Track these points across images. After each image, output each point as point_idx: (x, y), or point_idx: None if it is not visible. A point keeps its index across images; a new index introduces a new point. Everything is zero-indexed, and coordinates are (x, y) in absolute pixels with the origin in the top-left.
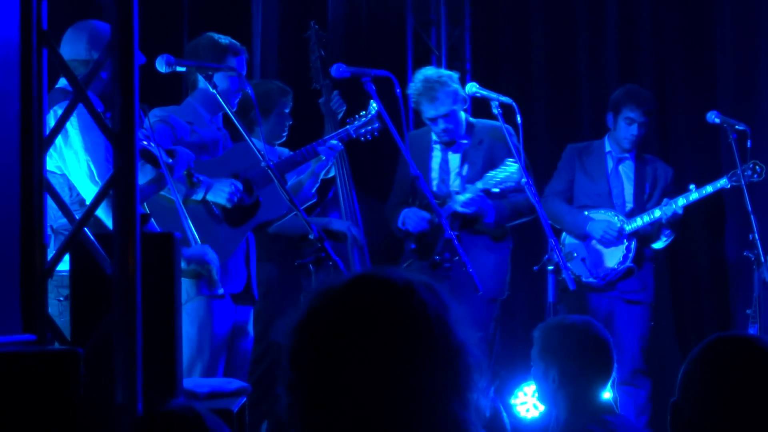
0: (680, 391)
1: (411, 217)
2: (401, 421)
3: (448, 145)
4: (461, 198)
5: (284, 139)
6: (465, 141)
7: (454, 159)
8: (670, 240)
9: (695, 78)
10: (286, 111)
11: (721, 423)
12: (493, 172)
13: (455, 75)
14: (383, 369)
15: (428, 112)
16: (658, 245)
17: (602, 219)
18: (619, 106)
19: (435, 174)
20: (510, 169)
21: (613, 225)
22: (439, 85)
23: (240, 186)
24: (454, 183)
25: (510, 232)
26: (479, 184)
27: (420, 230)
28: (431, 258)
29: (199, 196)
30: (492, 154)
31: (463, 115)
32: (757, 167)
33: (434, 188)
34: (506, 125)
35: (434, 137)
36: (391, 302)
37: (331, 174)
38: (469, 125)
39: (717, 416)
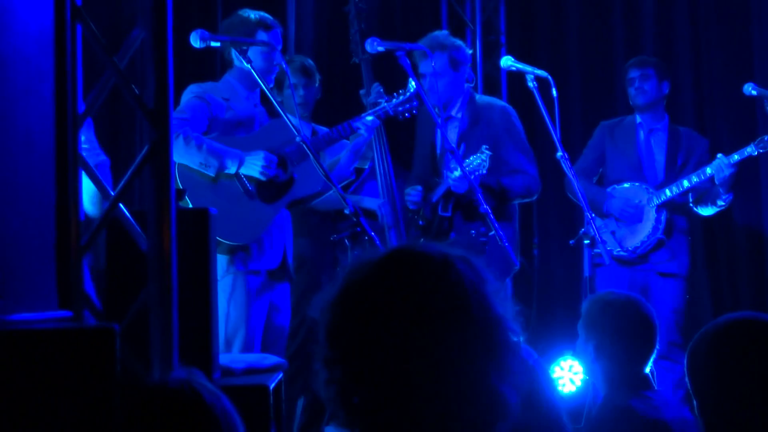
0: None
1: (408, 194)
2: (439, 393)
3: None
4: (452, 175)
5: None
6: (459, 114)
7: (452, 138)
8: (727, 203)
9: (731, 50)
10: (300, 85)
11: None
12: (470, 158)
13: (467, 49)
14: (420, 343)
15: (423, 68)
16: (707, 212)
17: (621, 196)
18: (625, 77)
19: (438, 150)
20: (482, 157)
21: (631, 201)
22: (438, 46)
23: (274, 158)
24: (452, 161)
25: (512, 211)
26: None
27: (414, 207)
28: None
29: (232, 170)
30: (494, 135)
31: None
32: None
33: (437, 165)
34: (511, 109)
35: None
36: (427, 275)
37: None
38: (470, 101)
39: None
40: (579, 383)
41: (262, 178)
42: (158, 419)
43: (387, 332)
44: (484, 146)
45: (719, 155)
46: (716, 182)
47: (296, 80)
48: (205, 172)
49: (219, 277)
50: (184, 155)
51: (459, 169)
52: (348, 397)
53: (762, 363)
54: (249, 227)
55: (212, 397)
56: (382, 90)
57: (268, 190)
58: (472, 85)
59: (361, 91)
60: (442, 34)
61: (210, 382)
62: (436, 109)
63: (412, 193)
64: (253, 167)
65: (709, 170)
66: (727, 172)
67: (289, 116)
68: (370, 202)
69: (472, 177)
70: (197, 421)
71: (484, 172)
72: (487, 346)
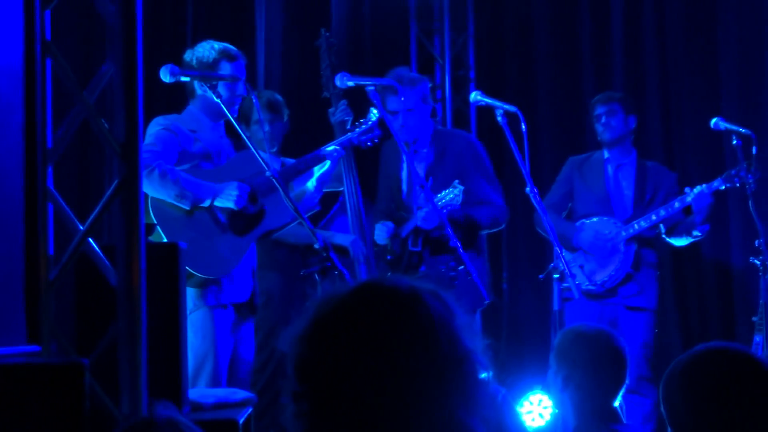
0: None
1: (379, 232)
2: (408, 428)
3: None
4: (421, 213)
5: (270, 149)
6: (425, 150)
7: (419, 171)
8: (703, 234)
9: (699, 85)
10: (266, 120)
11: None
12: (443, 193)
13: (427, 82)
14: (389, 376)
15: (392, 104)
16: (681, 242)
17: (590, 228)
18: (592, 114)
19: (404, 185)
20: (455, 191)
21: (600, 235)
22: (408, 81)
23: (247, 188)
24: (420, 197)
25: (481, 243)
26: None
27: (384, 242)
28: (401, 269)
29: (207, 203)
30: (460, 167)
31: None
32: (752, 168)
33: (404, 200)
34: (476, 140)
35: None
36: (396, 309)
37: (340, 188)
38: (434, 134)
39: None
40: (548, 417)
41: (236, 207)
42: None
43: (355, 366)
44: (455, 181)
45: (687, 190)
46: (693, 210)
47: (263, 116)
48: (180, 205)
49: (189, 311)
50: (159, 189)
51: (429, 204)
52: (315, 430)
53: (735, 391)
54: (222, 260)
55: None
56: (347, 108)
57: (240, 222)
58: (436, 119)
59: (330, 110)
60: (406, 69)
61: (189, 421)
62: (406, 145)
63: (383, 229)
64: (228, 198)
65: (677, 204)
66: (704, 202)
67: (258, 150)
68: (342, 239)
69: (444, 212)
70: None
71: (457, 206)
72: (455, 380)
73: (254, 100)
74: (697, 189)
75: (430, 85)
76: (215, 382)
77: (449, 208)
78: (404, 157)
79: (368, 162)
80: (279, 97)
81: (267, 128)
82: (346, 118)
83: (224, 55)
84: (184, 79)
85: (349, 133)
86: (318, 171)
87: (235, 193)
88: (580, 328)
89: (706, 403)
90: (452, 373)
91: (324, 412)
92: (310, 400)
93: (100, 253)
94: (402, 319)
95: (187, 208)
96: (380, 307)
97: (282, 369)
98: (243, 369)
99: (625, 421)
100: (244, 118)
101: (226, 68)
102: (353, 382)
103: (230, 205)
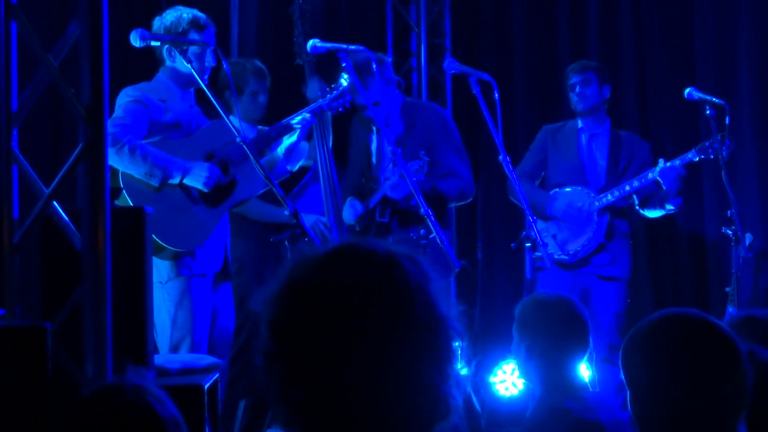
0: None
1: (346, 211)
2: (381, 391)
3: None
4: (389, 183)
5: (260, 118)
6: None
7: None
8: (676, 207)
9: (674, 55)
10: (259, 90)
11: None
12: (409, 164)
13: (385, 61)
14: (363, 339)
15: (358, 99)
16: (654, 214)
17: (564, 197)
18: (566, 83)
19: (374, 158)
20: (420, 163)
21: (573, 204)
22: (368, 74)
23: (218, 170)
24: (388, 168)
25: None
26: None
27: (351, 222)
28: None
29: (176, 180)
30: (429, 139)
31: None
32: (726, 140)
33: (373, 172)
34: (445, 111)
35: None
36: (372, 272)
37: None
38: (404, 105)
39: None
40: (521, 386)
41: (205, 189)
42: (109, 426)
43: (330, 327)
44: (421, 152)
45: (661, 161)
46: (663, 187)
47: (257, 86)
48: (149, 182)
49: (163, 282)
50: (128, 165)
51: (396, 175)
52: (288, 393)
53: (693, 355)
54: (195, 232)
55: (163, 408)
56: (324, 85)
57: (212, 194)
58: (402, 88)
59: (303, 87)
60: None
61: (157, 388)
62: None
63: (350, 210)
64: (198, 178)
65: (651, 175)
66: (672, 175)
67: (230, 117)
68: (307, 219)
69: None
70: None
71: (422, 177)
72: (430, 345)
73: (226, 68)
74: (660, 164)
75: (388, 59)
76: (196, 350)
77: (415, 178)
78: (374, 128)
79: (340, 132)
80: (261, 64)
81: (263, 99)
82: (318, 93)
83: (193, 24)
84: (154, 43)
85: (320, 100)
86: (287, 139)
87: (204, 174)
88: (540, 297)
89: (664, 367)
90: (427, 337)
91: (296, 372)
92: (283, 360)
93: (65, 217)
94: (378, 281)
95: (156, 185)
96: (356, 268)
97: (255, 332)
98: (223, 336)
99: (596, 389)
100: (237, 89)
101: (195, 36)
102: (327, 342)
103: (199, 185)
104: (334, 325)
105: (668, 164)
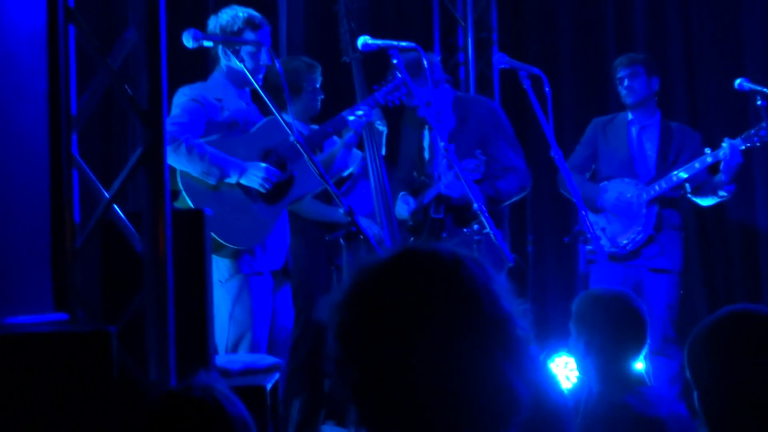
0: (688, 368)
1: (399, 206)
2: (455, 391)
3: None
4: (445, 180)
5: (316, 114)
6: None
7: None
8: (729, 194)
9: (723, 45)
10: (317, 86)
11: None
12: (467, 161)
13: (434, 60)
14: (435, 340)
15: (410, 99)
16: (707, 202)
17: (614, 189)
18: (614, 76)
19: (426, 153)
20: (476, 162)
21: (623, 195)
22: (419, 74)
23: (275, 170)
24: (441, 163)
25: (503, 216)
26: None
27: (404, 218)
28: (422, 236)
29: (233, 180)
30: (482, 134)
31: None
32: None
33: (426, 168)
34: (497, 105)
35: None
36: (439, 274)
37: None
38: (455, 101)
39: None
40: (574, 380)
41: (262, 191)
42: (180, 426)
43: (399, 331)
44: (477, 151)
45: (707, 150)
46: (722, 169)
47: (315, 82)
48: (207, 180)
49: (224, 280)
50: (186, 164)
51: (452, 173)
52: (363, 397)
53: (759, 353)
54: (254, 230)
55: (232, 406)
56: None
57: (270, 190)
58: (452, 83)
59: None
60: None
61: (228, 389)
62: (429, 104)
63: (404, 206)
64: (254, 179)
65: (697, 165)
66: (736, 158)
67: (283, 115)
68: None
69: (467, 179)
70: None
71: (479, 176)
72: (500, 342)
73: (279, 68)
74: (726, 144)
75: (437, 59)
76: (255, 349)
77: (471, 177)
78: (426, 125)
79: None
80: (312, 60)
81: (320, 95)
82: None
83: (248, 23)
84: (206, 44)
85: (376, 93)
86: (344, 133)
87: (261, 175)
88: (597, 292)
89: (730, 366)
90: (497, 335)
91: (371, 376)
92: (357, 366)
93: (126, 221)
94: (445, 284)
95: (214, 183)
96: (422, 271)
97: (309, 333)
98: (282, 335)
99: (650, 382)
100: (294, 88)
101: (250, 36)
102: (397, 347)
103: (256, 186)
104: (401, 327)
105: (732, 144)
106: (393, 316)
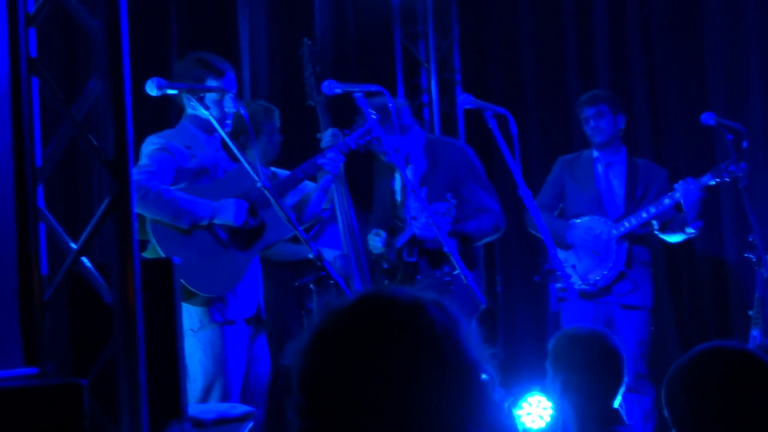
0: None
1: (373, 242)
2: None
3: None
4: (418, 223)
5: (277, 157)
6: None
7: (411, 179)
8: (697, 231)
9: (685, 80)
10: (275, 129)
11: None
12: (438, 204)
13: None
14: (393, 388)
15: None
16: (675, 239)
17: (583, 226)
18: (579, 116)
19: (398, 196)
20: (447, 206)
21: (593, 232)
22: (386, 121)
23: (245, 204)
24: (413, 206)
25: (477, 256)
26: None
27: (378, 252)
28: (397, 279)
29: (204, 222)
30: (454, 176)
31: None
32: (741, 163)
33: (398, 211)
34: (467, 147)
35: None
36: (397, 320)
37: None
38: (427, 143)
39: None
40: (548, 419)
41: (236, 224)
42: None
43: (357, 379)
44: (448, 194)
45: (686, 179)
46: (684, 208)
47: (273, 125)
48: (178, 225)
49: (195, 330)
50: (155, 210)
51: (423, 212)
52: None
53: (737, 390)
54: (225, 277)
55: None
56: (339, 133)
57: (241, 237)
58: (423, 125)
59: (318, 135)
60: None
61: None
62: (396, 150)
63: (376, 239)
64: (227, 215)
65: (667, 201)
66: (693, 197)
67: (250, 162)
68: (326, 254)
69: (437, 223)
70: None
71: (450, 219)
72: (460, 390)
73: (243, 113)
74: (683, 183)
75: (405, 105)
76: (226, 398)
77: (443, 221)
78: (397, 166)
79: (357, 172)
80: (270, 104)
81: (278, 137)
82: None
83: (212, 70)
84: (170, 92)
85: (347, 137)
86: (319, 177)
87: (232, 209)
88: (574, 331)
89: (708, 404)
90: (457, 383)
91: (327, 425)
92: (314, 414)
93: (94, 272)
94: (404, 330)
95: (186, 227)
96: (381, 318)
97: (281, 379)
98: (257, 383)
99: (626, 421)
100: (255, 129)
101: (212, 83)
102: (356, 395)
103: (230, 220)
104: (360, 376)
105: (688, 183)
106: (350, 365)
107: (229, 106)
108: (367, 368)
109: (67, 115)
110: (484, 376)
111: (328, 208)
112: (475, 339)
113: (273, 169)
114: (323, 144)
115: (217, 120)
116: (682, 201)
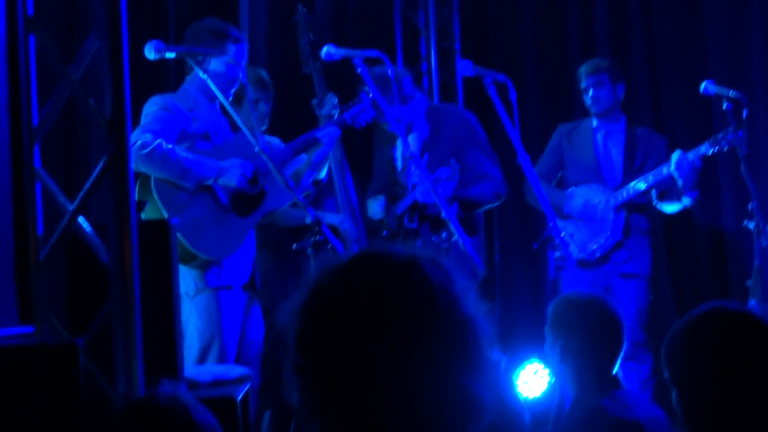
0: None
1: (372, 207)
2: (411, 396)
3: (408, 133)
4: (419, 189)
5: (262, 128)
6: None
7: (412, 147)
8: (693, 201)
9: (686, 48)
10: (262, 99)
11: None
12: (442, 169)
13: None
14: (389, 345)
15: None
16: (672, 208)
17: (581, 195)
18: (579, 85)
19: (399, 163)
20: (450, 170)
21: (591, 201)
22: (387, 90)
23: (250, 166)
24: (415, 173)
25: (478, 224)
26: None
27: (378, 217)
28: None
29: (209, 181)
30: (456, 143)
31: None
32: (739, 131)
33: (399, 178)
34: (470, 114)
35: None
36: (392, 277)
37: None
38: (428, 110)
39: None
40: (545, 387)
41: (238, 185)
42: None
43: (355, 336)
44: (452, 159)
45: (677, 151)
46: (677, 179)
47: (257, 94)
48: (183, 185)
49: (192, 294)
50: (160, 169)
51: (423, 179)
52: (319, 404)
53: (737, 349)
54: (225, 241)
55: (200, 414)
56: (336, 101)
57: (242, 203)
58: (424, 90)
59: (313, 101)
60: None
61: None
62: (398, 120)
63: (375, 203)
64: (231, 176)
65: (665, 170)
66: (686, 168)
67: (249, 127)
68: (332, 218)
69: (439, 188)
70: None
71: (454, 184)
72: (457, 346)
73: (243, 79)
74: (675, 155)
75: (407, 74)
76: (223, 360)
77: (445, 187)
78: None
79: (357, 142)
80: (266, 74)
81: (264, 107)
82: (334, 112)
83: (231, 36)
84: (168, 55)
85: (345, 113)
86: (312, 151)
87: (237, 171)
88: (572, 296)
89: (709, 362)
90: (454, 339)
91: (326, 383)
92: (312, 373)
93: (91, 232)
94: (398, 287)
95: (191, 188)
96: (376, 275)
97: (281, 344)
98: (253, 349)
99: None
100: (236, 97)
101: (231, 50)
102: (354, 352)
103: (234, 182)
104: (357, 332)
105: (680, 156)
106: (345, 322)
107: (232, 74)
108: (361, 325)
109: (64, 73)
110: (481, 333)
111: (325, 177)
112: (471, 295)
113: (266, 137)
114: (324, 111)
115: (224, 85)
116: (675, 173)
